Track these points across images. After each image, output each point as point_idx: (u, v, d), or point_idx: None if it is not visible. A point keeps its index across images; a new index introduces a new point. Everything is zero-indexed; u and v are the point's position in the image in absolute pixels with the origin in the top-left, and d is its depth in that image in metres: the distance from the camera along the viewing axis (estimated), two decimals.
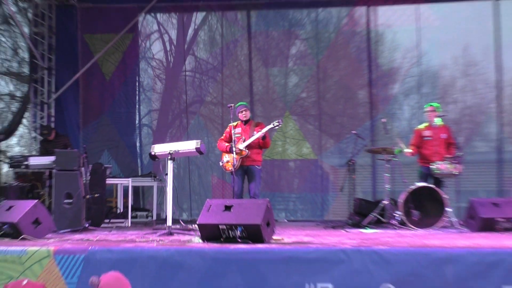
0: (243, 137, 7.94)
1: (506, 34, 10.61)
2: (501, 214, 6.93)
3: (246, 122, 8.13)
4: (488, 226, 6.87)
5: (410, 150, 8.36)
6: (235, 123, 7.91)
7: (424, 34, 10.91)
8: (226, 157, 7.99)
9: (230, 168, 7.82)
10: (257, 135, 7.85)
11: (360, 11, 11.19)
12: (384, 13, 11.12)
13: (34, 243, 5.66)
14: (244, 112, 8.13)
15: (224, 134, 8.28)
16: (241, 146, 7.82)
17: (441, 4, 10.96)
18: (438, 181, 8.21)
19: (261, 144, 8.00)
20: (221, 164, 8.14)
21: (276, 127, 8.00)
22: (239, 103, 8.29)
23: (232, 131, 7.77)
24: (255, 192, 7.97)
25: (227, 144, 7.98)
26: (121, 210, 9.80)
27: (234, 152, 7.66)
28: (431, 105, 8.59)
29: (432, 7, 10.92)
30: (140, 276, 4.88)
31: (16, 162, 9.18)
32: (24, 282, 3.97)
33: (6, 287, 3.97)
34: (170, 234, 6.47)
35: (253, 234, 5.39)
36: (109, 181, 9.39)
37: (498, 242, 5.66)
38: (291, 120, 11.37)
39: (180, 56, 11.98)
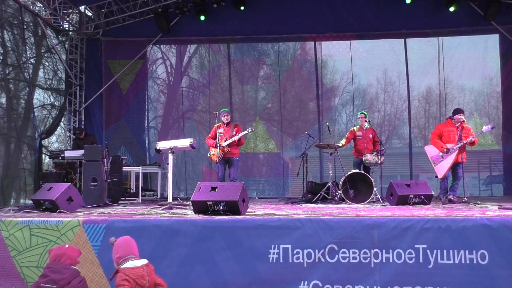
0: (225, 137, 7.88)
1: (411, 63, 10.81)
2: (412, 192, 6.98)
3: (227, 124, 8.06)
4: (403, 200, 6.93)
5: (343, 142, 8.42)
6: (218, 124, 7.87)
7: (355, 62, 11.05)
8: (212, 151, 7.92)
9: (215, 159, 7.77)
10: (234, 137, 7.80)
11: (310, 44, 11.22)
12: (327, 46, 11.19)
13: (68, 215, 5.51)
14: (226, 116, 8.07)
15: (211, 133, 8.21)
16: (224, 144, 7.76)
17: (367, 40, 11.06)
18: (367, 168, 8.27)
19: (238, 143, 7.94)
20: (208, 155, 8.06)
21: (249, 133, 7.96)
22: (223, 109, 8.24)
23: (217, 131, 7.71)
24: (234, 176, 7.94)
25: (213, 141, 7.90)
26: (134, 191, 9.64)
27: (219, 148, 7.59)
28: (363, 113, 8.62)
29: (360, 43, 11.07)
30: (148, 240, 4.80)
31: (55, 155, 8.99)
32: (66, 246, 3.85)
33: (51, 251, 3.83)
34: (171, 208, 6.37)
35: (232, 208, 5.36)
36: (125, 168, 9.23)
37: (409, 212, 5.70)
38: (260, 123, 11.34)
39: (178, 76, 11.84)
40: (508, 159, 10.50)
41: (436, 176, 7.70)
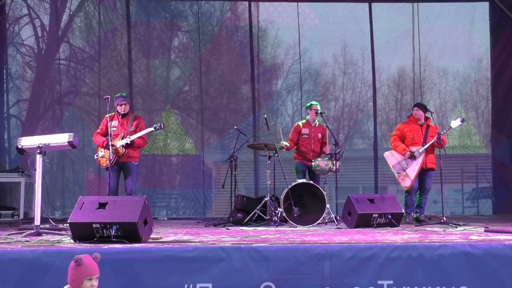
0: (121, 133, 7.75)
1: (377, 37, 11.27)
2: (376, 209, 7.24)
3: (123, 115, 7.94)
4: (364, 221, 7.16)
5: (287, 144, 8.56)
6: (111, 114, 7.73)
7: (304, 32, 11.30)
8: (101, 152, 7.76)
9: (105, 164, 7.62)
10: (135, 135, 7.70)
11: (243, 5, 11.34)
12: (266, 9, 11.38)
13: None
14: (123, 106, 7.93)
15: (100, 127, 8.05)
16: (119, 143, 7.64)
17: (320, 3, 11.41)
18: (317, 178, 8.47)
19: (138, 144, 7.85)
20: (96, 157, 7.90)
21: (157, 131, 7.89)
22: (118, 94, 8.08)
23: (108, 124, 7.53)
24: (131, 188, 7.84)
25: (103, 138, 7.75)
26: None
27: (110, 149, 7.43)
28: (314, 104, 8.77)
29: (311, 6, 11.38)
30: (2, 281, 4.59)
31: None
32: None
33: None
34: (38, 234, 6.11)
35: (129, 233, 5.25)
36: None
37: (372, 237, 5.90)
38: (172, 114, 11.27)
39: (53, 43, 11.47)
40: (498, 167, 11.21)
41: (407, 192, 8.16)
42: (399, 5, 11.33)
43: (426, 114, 8.30)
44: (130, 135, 7.78)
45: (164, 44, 11.79)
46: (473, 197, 11.37)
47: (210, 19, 11.59)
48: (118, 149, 7.62)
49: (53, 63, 11.38)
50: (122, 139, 7.73)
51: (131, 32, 11.21)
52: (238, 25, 11.49)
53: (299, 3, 11.19)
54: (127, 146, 7.73)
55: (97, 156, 7.85)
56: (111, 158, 7.46)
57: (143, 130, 7.92)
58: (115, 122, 7.85)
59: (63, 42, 11.52)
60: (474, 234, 6.13)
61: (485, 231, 6.51)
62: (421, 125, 8.26)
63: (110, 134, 7.49)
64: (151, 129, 7.79)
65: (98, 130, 8.06)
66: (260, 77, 11.36)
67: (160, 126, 7.83)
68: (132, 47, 11.22)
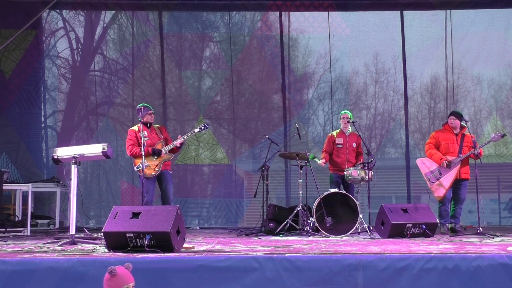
0: (162, 141, 7.88)
1: (409, 45, 11.20)
2: (410, 219, 7.16)
3: (150, 125, 7.96)
4: (398, 231, 7.08)
5: (323, 160, 8.52)
6: (136, 126, 7.79)
7: (335, 41, 11.27)
8: (145, 162, 7.59)
9: (153, 173, 7.64)
10: (177, 141, 7.78)
11: (274, 15, 11.37)
12: (297, 19, 11.40)
13: None
14: (152, 115, 7.96)
15: (129, 139, 7.83)
16: (166, 149, 7.78)
17: (351, 12, 11.37)
18: (350, 188, 8.41)
19: (174, 151, 7.91)
20: (137, 169, 7.63)
21: (204, 130, 8.01)
22: (141, 105, 7.88)
23: (141, 135, 7.55)
24: (170, 196, 7.83)
25: (139, 149, 7.55)
26: (20, 218, 9.33)
27: (156, 156, 7.61)
28: (346, 113, 8.73)
29: (342, 15, 11.36)
30: None
31: None
32: None
33: None
34: (73, 243, 6.20)
35: (162, 242, 5.30)
36: (7, 186, 8.90)
37: (406, 247, 5.84)
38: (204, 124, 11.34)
39: (87, 55, 11.68)
40: None
41: (440, 202, 8.06)
42: (431, 12, 11.21)
43: (461, 123, 8.20)
44: (168, 143, 7.90)
45: (195, 55, 11.90)
46: (510, 207, 11.16)
47: (241, 30, 11.65)
48: (167, 154, 7.81)
49: (87, 74, 11.57)
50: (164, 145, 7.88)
51: (164, 44, 11.31)
52: (269, 35, 11.52)
53: (330, 12, 11.17)
54: (172, 151, 7.87)
55: (139, 168, 7.56)
56: (159, 166, 7.65)
57: (169, 137, 8.09)
58: (144, 133, 7.61)
59: (97, 54, 11.71)
60: None
61: None
62: (456, 134, 8.17)
63: (163, 142, 7.69)
64: (197, 130, 7.88)
65: (131, 142, 7.79)
66: (291, 86, 11.36)
67: (205, 125, 7.93)
68: (165, 58, 11.32)
